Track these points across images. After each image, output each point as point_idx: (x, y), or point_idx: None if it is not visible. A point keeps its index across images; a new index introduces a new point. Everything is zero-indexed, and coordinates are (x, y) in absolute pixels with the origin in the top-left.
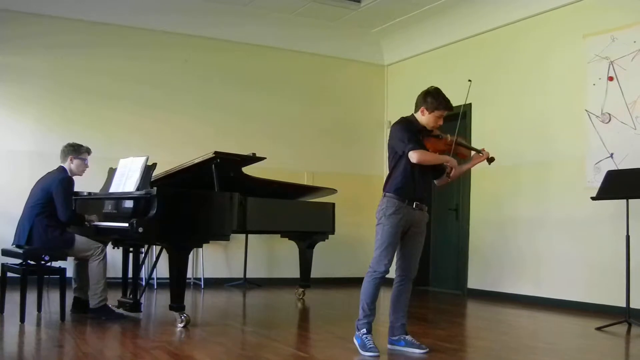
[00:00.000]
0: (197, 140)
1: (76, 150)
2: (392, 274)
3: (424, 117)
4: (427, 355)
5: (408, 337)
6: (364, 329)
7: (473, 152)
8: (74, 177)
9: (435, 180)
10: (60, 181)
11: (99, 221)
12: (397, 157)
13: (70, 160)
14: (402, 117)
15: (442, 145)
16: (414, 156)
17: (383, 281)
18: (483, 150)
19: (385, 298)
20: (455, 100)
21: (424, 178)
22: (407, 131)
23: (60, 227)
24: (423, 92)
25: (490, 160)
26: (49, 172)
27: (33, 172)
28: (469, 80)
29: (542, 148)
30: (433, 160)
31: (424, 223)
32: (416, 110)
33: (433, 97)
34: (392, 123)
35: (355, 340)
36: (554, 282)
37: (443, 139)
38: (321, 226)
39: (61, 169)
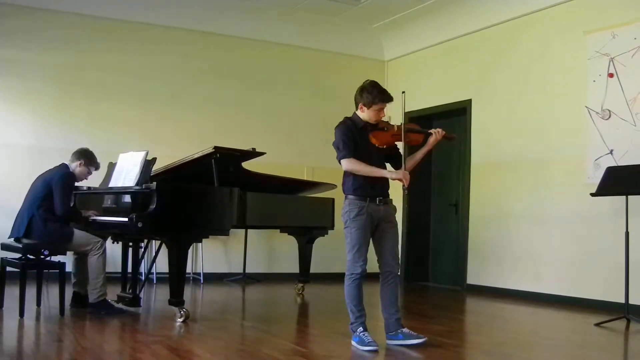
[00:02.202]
0: (197, 135)
1: (90, 160)
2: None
3: (364, 114)
4: (426, 350)
5: (405, 330)
6: (360, 328)
7: (428, 137)
8: None
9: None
10: (62, 176)
11: (99, 216)
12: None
13: (80, 164)
14: (345, 118)
15: (389, 137)
16: (344, 165)
17: (364, 280)
18: (435, 131)
19: (378, 294)
20: (456, 96)
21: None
22: (343, 135)
23: (59, 220)
24: (359, 88)
25: (451, 138)
26: (51, 168)
27: (32, 166)
28: (403, 92)
29: (542, 144)
30: (366, 172)
31: (392, 216)
32: (356, 109)
33: (368, 92)
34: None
35: (353, 342)
36: (553, 278)
37: (389, 130)
38: (321, 221)
39: (63, 166)
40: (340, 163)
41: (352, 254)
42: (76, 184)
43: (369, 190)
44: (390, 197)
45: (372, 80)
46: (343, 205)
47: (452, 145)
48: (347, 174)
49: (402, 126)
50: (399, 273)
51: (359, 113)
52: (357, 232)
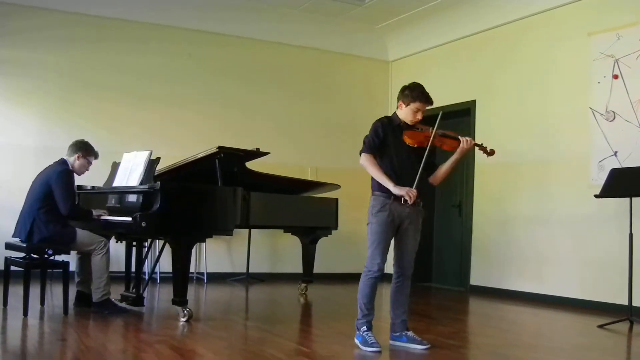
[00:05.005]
0: (201, 135)
1: (87, 151)
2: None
3: (403, 112)
4: (429, 351)
5: (409, 333)
6: (364, 327)
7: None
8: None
9: (429, 178)
10: (59, 174)
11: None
12: (379, 155)
13: (77, 157)
14: (384, 116)
15: (422, 137)
16: (360, 159)
17: (379, 280)
18: (465, 139)
19: (387, 295)
20: (460, 97)
21: (411, 173)
22: (373, 131)
23: (60, 221)
24: (402, 87)
25: (485, 150)
26: (49, 165)
27: (38, 166)
28: (440, 111)
29: (546, 145)
30: (373, 174)
31: (417, 219)
32: (397, 107)
33: (410, 90)
34: None
35: (356, 340)
36: (557, 279)
37: (424, 131)
38: (324, 222)
39: (62, 162)
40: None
41: (371, 250)
42: (80, 177)
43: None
44: (420, 201)
45: (417, 82)
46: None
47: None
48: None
49: (435, 131)
50: (410, 275)
51: (398, 111)
52: (377, 228)
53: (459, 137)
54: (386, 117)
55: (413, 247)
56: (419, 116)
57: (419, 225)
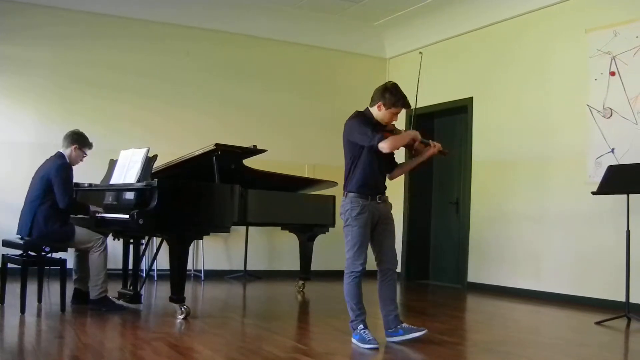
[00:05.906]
0: (198, 132)
1: (82, 142)
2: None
3: (380, 113)
4: (426, 348)
5: (404, 325)
6: (360, 325)
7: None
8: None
9: (387, 175)
10: (58, 168)
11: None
12: (356, 154)
13: (74, 149)
14: (357, 112)
15: None
16: (385, 146)
17: (363, 277)
18: (433, 144)
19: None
20: (457, 94)
21: (381, 171)
22: (367, 124)
23: (60, 219)
24: (381, 87)
25: (444, 153)
26: (47, 160)
27: (34, 163)
28: (420, 53)
29: (543, 142)
30: (403, 142)
31: (390, 213)
32: (372, 105)
33: (391, 94)
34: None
35: (354, 339)
36: (554, 276)
37: (397, 134)
38: (322, 219)
39: (59, 155)
40: (362, 151)
41: (352, 252)
42: (77, 174)
43: (374, 189)
44: (387, 195)
45: (395, 83)
46: (343, 203)
47: (453, 143)
48: (353, 170)
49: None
50: (397, 270)
51: (374, 111)
52: (358, 230)
53: (430, 142)
54: (360, 113)
55: (392, 241)
56: (396, 119)
57: (392, 218)
